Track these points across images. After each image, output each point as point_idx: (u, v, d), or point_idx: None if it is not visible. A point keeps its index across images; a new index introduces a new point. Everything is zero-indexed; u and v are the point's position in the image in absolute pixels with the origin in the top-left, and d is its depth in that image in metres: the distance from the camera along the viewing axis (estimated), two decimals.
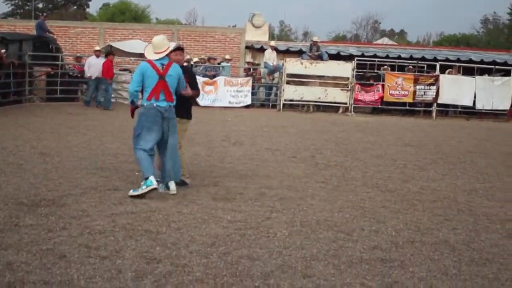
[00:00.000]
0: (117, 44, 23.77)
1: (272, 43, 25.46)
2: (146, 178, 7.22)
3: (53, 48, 22.34)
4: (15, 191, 7.22)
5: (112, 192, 7.46)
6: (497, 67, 24.95)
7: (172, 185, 7.53)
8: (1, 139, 11.39)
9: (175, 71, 7.57)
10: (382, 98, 22.83)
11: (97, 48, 22.04)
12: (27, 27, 26.24)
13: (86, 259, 4.94)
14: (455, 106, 24.17)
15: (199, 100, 22.32)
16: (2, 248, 5.09)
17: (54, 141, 11.38)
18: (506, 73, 23.98)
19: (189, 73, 8.38)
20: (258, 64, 25.69)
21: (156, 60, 7.50)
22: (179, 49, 8.29)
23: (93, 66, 20.23)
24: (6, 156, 9.55)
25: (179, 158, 7.72)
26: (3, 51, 18.81)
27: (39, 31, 22.50)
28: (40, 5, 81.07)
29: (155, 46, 7.57)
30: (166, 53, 7.57)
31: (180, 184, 7.78)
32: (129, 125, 9.24)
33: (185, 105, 8.07)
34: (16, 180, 7.86)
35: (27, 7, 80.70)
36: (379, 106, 23.13)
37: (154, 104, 7.41)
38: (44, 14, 29.37)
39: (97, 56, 20.91)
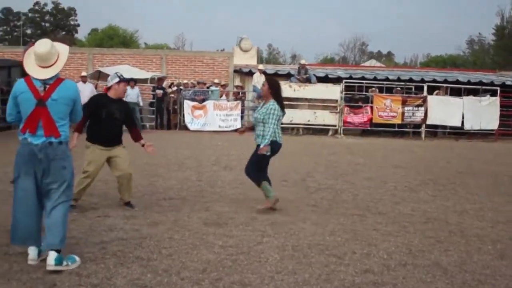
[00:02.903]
0: (106, 69, 23.78)
1: (260, 66, 25.61)
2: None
3: None
4: (4, 219, 7.12)
5: (102, 219, 7.41)
6: (484, 87, 25.18)
7: (50, 256, 5.29)
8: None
9: (63, 93, 5.54)
10: (371, 120, 22.98)
11: (84, 73, 22.06)
12: (16, 53, 26.21)
13: (77, 287, 4.90)
14: (444, 127, 24.36)
15: (189, 124, 22.41)
16: None
17: None
18: (493, 93, 24.19)
19: (126, 110, 8.33)
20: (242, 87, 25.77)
21: (38, 78, 5.46)
22: (123, 80, 8.27)
23: (81, 92, 20.18)
24: None
25: (64, 222, 5.54)
26: None
27: None
28: (29, 31, 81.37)
29: (40, 59, 5.48)
30: (56, 69, 5.54)
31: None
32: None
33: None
34: (6, 208, 7.73)
35: (15, 33, 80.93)
36: (368, 128, 23.27)
37: (28, 140, 5.42)
38: (33, 40, 29.30)
39: (84, 82, 20.94)
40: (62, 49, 5.71)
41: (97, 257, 5.74)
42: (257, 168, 8.30)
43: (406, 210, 8.65)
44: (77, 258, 5.50)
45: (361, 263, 5.88)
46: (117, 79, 8.15)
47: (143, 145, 8.30)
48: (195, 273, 5.35)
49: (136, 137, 8.37)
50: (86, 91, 20.08)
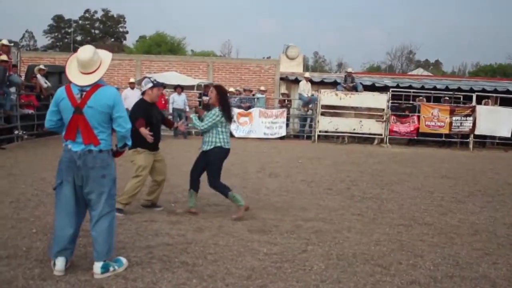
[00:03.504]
0: (153, 76, 24.09)
1: (307, 74, 25.59)
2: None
3: None
4: (54, 221, 7.30)
5: (148, 223, 7.51)
6: None
7: (95, 265, 5.41)
8: (39, 170, 11.60)
9: (99, 100, 5.38)
10: (417, 129, 22.71)
11: (132, 80, 22.39)
12: (66, 59, 26.73)
13: None
14: (493, 137, 23.89)
15: (234, 131, 22.52)
16: (42, 278, 5.16)
17: None
18: None
19: (161, 113, 8.74)
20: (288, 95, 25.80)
21: (78, 85, 5.39)
22: (157, 86, 8.43)
23: (129, 98, 20.54)
24: (45, 187, 9.70)
25: (110, 233, 5.56)
26: (44, 83, 19.28)
27: None
28: (79, 38, 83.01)
29: (82, 65, 5.41)
30: (98, 75, 5.45)
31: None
32: (166, 156, 9.29)
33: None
34: (38, 212, 7.97)
35: (66, 40, 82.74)
36: (415, 137, 22.99)
37: (69, 146, 5.40)
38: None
39: (132, 88, 21.28)
40: (105, 56, 5.65)
41: (143, 261, 5.82)
42: (219, 175, 8.30)
43: (453, 221, 8.52)
44: (124, 261, 5.60)
45: (407, 274, 5.82)
46: (150, 84, 8.34)
47: (176, 127, 9.03)
48: (240, 280, 5.38)
49: (170, 124, 9.10)
50: (134, 97, 20.40)
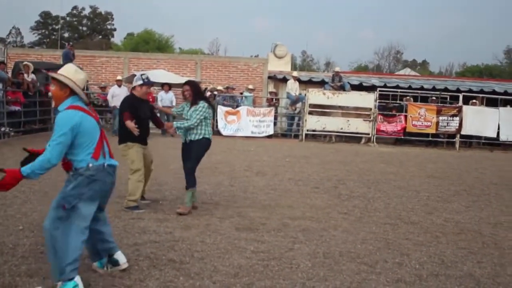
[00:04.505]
0: (145, 73, 24.03)
1: (295, 73, 25.63)
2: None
3: None
4: (40, 219, 7.24)
5: (135, 221, 7.51)
6: None
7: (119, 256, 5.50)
8: None
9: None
10: (404, 129, 22.83)
11: (119, 77, 22.34)
12: (54, 56, 26.72)
13: (110, 287, 4.98)
14: (479, 137, 24.05)
15: (222, 129, 22.53)
16: (28, 275, 5.15)
17: None
18: None
19: (151, 108, 8.92)
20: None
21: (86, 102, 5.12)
22: (146, 84, 8.58)
23: (116, 96, 20.50)
24: (32, 184, 9.65)
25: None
26: (33, 78, 19.21)
27: (65, 60, 22.91)
28: (66, 35, 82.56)
29: (83, 83, 5.14)
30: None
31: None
32: (154, 154, 9.28)
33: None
34: (42, 208, 7.94)
35: (53, 37, 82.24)
36: (402, 137, 23.11)
37: (106, 164, 5.06)
38: (70, 43, 29.95)
39: (119, 86, 21.24)
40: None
41: (131, 258, 5.81)
42: (197, 165, 8.48)
43: (439, 221, 8.58)
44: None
45: (393, 272, 5.87)
46: (140, 82, 8.48)
47: (165, 129, 8.93)
48: (227, 277, 5.40)
49: (160, 124, 9.06)
50: (122, 95, 20.38)
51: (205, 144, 8.36)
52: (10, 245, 6.08)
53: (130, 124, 8.14)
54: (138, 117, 8.33)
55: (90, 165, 4.89)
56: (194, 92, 8.43)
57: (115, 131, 20.56)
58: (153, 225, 7.29)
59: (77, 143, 4.83)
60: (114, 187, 5.30)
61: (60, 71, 5.11)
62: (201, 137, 8.29)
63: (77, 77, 5.03)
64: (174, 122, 8.61)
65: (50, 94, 5.11)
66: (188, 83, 8.64)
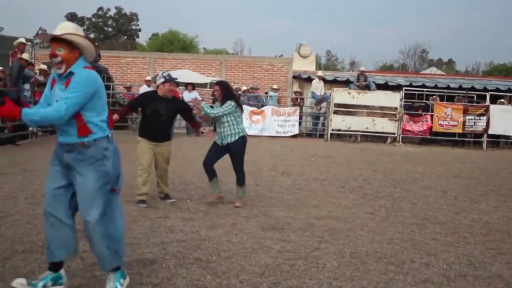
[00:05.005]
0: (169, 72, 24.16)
1: (320, 73, 25.57)
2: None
3: (105, 77, 22.89)
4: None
5: (162, 220, 7.55)
6: None
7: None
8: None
9: None
10: (430, 128, 22.63)
11: (148, 78, 22.46)
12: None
13: (138, 286, 5.02)
14: (507, 137, 23.76)
15: (247, 129, 22.55)
16: None
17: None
18: None
19: (174, 108, 8.86)
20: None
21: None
22: (168, 81, 8.68)
23: None
24: None
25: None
26: None
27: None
28: (92, 35, 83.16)
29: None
30: None
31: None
32: (179, 154, 9.35)
33: None
34: None
35: None
36: (428, 136, 22.91)
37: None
38: (96, 44, 30.20)
39: (148, 86, 21.38)
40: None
41: (158, 257, 5.86)
42: (243, 163, 9.02)
43: (467, 221, 8.50)
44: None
45: (420, 272, 5.83)
46: (162, 79, 8.61)
47: (202, 132, 8.90)
48: (253, 277, 5.41)
49: (195, 125, 9.27)
50: None
51: (242, 142, 8.78)
52: (39, 243, 6.15)
53: (114, 115, 8.35)
54: (144, 112, 8.66)
55: (109, 135, 4.70)
56: (224, 93, 8.72)
57: None
58: (179, 224, 7.33)
59: (92, 107, 4.56)
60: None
61: (64, 31, 4.57)
62: (237, 137, 8.68)
63: (81, 33, 4.68)
64: (203, 104, 8.82)
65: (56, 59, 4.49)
66: (218, 83, 9.03)
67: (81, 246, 5.97)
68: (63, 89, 4.51)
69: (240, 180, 8.87)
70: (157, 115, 8.57)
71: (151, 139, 8.60)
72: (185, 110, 9.10)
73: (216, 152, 8.87)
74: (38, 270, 5.27)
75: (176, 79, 9.76)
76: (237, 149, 8.75)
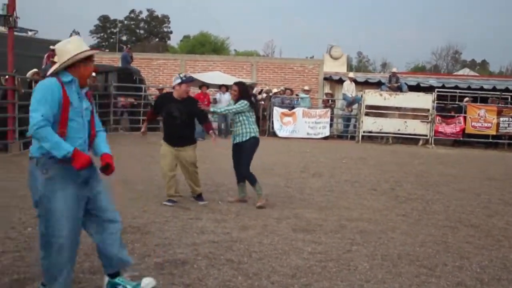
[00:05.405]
0: (197, 76, 24.27)
1: (351, 74, 25.44)
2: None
3: (137, 79, 23.14)
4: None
5: (194, 221, 7.60)
6: None
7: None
8: None
9: None
10: (463, 130, 22.38)
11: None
12: (112, 59, 27.25)
13: (170, 286, 5.06)
14: None
15: (278, 131, 22.57)
16: (91, 272, 5.28)
17: (137, 170, 11.70)
18: None
19: (189, 110, 8.72)
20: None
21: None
22: (185, 82, 8.71)
23: None
24: None
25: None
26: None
27: (123, 63, 23.37)
28: (124, 38, 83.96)
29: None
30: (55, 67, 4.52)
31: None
32: (209, 155, 9.42)
33: None
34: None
35: (111, 40, 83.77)
36: (461, 138, 22.64)
37: None
38: (129, 46, 30.49)
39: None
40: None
41: (190, 258, 5.90)
42: (250, 164, 8.99)
43: (501, 224, 8.39)
44: None
45: (453, 275, 5.77)
46: (179, 80, 8.62)
47: (214, 133, 9.19)
48: (284, 278, 5.41)
49: (207, 128, 9.16)
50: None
51: (254, 143, 8.88)
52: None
53: (145, 124, 8.93)
54: (163, 116, 8.75)
55: None
56: (240, 93, 8.90)
57: None
58: (211, 226, 7.37)
59: None
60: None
61: (78, 49, 4.48)
62: (248, 137, 8.80)
63: None
64: (211, 106, 8.94)
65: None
66: (237, 83, 9.18)
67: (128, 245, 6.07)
68: (88, 102, 4.64)
69: (251, 180, 8.87)
70: (171, 117, 8.56)
71: (172, 144, 8.60)
72: (199, 111, 8.93)
73: (235, 154, 9.07)
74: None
75: (194, 80, 9.83)
76: (245, 147, 8.82)
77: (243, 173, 8.87)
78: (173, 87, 8.73)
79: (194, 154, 8.78)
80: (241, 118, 8.78)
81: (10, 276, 5.03)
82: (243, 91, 8.96)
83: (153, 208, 8.26)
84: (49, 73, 4.50)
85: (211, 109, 9.06)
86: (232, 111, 8.79)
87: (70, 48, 4.45)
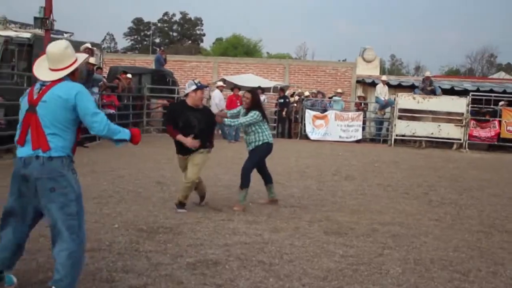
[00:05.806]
0: (230, 78, 24.35)
1: (384, 77, 25.27)
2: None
3: (170, 81, 23.30)
4: (135, 217, 7.56)
5: (225, 222, 7.63)
6: None
7: None
8: (118, 168, 12.03)
9: (55, 94, 4.43)
10: (498, 134, 22.08)
11: (220, 83, 22.46)
12: (146, 61, 27.51)
13: (202, 286, 5.10)
14: None
15: (310, 133, 22.53)
16: (124, 271, 5.34)
17: (169, 171, 11.77)
18: None
19: (206, 119, 8.31)
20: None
21: (42, 80, 4.54)
22: (200, 88, 8.35)
23: (212, 99, 21.01)
24: (125, 185, 10.02)
25: (72, 265, 4.43)
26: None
27: (157, 65, 23.57)
28: (157, 40, 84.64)
29: (51, 59, 4.52)
30: (67, 71, 4.55)
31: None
32: (243, 156, 9.46)
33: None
34: (136, 207, 8.23)
35: (145, 42, 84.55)
36: (496, 143, 22.33)
37: (17, 153, 4.56)
38: (162, 48, 30.75)
39: (221, 91, 21.54)
40: (79, 55, 4.75)
41: (221, 259, 5.93)
42: (254, 167, 9.03)
43: None
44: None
45: (487, 281, 5.70)
46: (194, 87, 8.18)
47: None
48: (316, 280, 5.41)
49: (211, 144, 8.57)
50: (216, 98, 20.87)
51: (266, 148, 8.94)
52: (106, 242, 6.31)
53: (182, 138, 8.07)
54: (176, 125, 8.21)
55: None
56: (253, 102, 8.90)
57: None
58: (242, 227, 7.39)
59: None
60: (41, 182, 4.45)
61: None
62: (261, 142, 8.85)
63: None
64: (225, 119, 8.91)
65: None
66: (251, 92, 9.26)
67: (147, 246, 6.14)
68: None
69: (244, 182, 8.80)
70: (190, 127, 8.12)
71: (181, 153, 8.33)
72: (212, 123, 8.66)
73: None
74: (106, 267, 5.41)
75: (207, 86, 9.72)
76: (257, 151, 8.88)
77: (242, 171, 8.88)
78: (186, 94, 8.31)
79: (203, 157, 8.31)
80: (253, 128, 8.79)
81: (45, 274, 5.11)
82: (255, 100, 8.97)
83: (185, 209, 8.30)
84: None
85: (226, 122, 9.02)
86: (245, 123, 8.78)
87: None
